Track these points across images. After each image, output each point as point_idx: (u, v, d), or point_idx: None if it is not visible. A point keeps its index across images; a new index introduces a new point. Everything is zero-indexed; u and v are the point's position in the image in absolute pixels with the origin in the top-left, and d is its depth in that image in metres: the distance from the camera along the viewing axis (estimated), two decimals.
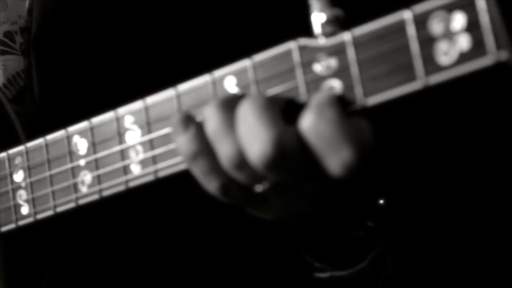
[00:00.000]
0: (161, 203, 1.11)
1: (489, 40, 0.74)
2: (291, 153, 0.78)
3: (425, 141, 1.02)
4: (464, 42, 0.75)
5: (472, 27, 0.75)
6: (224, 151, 0.81)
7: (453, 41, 0.76)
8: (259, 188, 0.83)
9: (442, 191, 1.01)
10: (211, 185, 0.84)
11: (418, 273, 0.99)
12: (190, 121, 0.85)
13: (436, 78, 0.77)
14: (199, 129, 0.84)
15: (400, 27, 0.79)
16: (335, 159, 0.76)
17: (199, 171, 0.85)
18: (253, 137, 0.78)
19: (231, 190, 0.84)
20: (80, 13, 1.14)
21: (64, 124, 1.04)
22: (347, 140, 0.76)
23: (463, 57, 0.75)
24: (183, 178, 0.90)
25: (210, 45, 1.05)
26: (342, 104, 0.81)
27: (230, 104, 0.82)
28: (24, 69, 1.21)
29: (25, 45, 1.21)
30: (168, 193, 1.06)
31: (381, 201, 0.93)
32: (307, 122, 0.78)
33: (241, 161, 0.80)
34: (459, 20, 0.75)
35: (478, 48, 0.75)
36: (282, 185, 0.82)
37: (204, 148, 0.84)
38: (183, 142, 0.85)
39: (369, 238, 0.93)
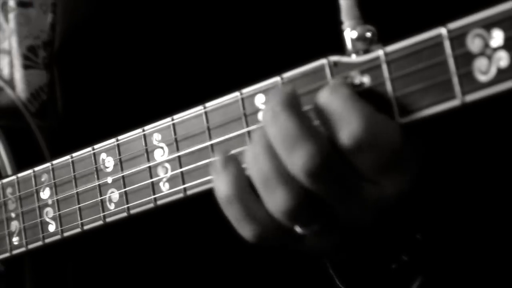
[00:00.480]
0: (188, 220, 1.09)
1: None
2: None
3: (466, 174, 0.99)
4: (503, 60, 0.73)
5: (511, 44, 0.72)
6: (276, 201, 0.78)
7: (492, 58, 0.74)
8: (304, 230, 0.80)
9: (483, 224, 0.98)
10: (245, 230, 0.81)
11: None
12: (231, 161, 0.81)
13: (474, 96, 0.74)
14: (240, 171, 0.81)
15: (437, 43, 0.76)
16: (345, 130, 0.75)
17: (233, 215, 0.81)
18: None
19: (269, 237, 0.81)
20: (103, 28, 1.13)
21: (87, 139, 1.03)
22: (357, 112, 0.75)
23: (502, 75, 0.73)
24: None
25: (241, 62, 1.03)
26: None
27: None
28: (47, 83, 1.20)
29: (47, 59, 1.20)
30: (194, 211, 1.04)
31: (418, 236, 0.90)
32: (322, 98, 0.77)
33: (300, 209, 0.77)
34: (497, 37, 0.73)
35: None
36: (327, 226, 0.80)
37: (243, 192, 0.80)
38: (221, 182, 0.81)
39: (405, 272, 0.90)
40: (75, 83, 1.17)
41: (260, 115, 0.87)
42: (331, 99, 0.77)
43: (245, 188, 0.80)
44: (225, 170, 0.81)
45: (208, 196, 0.88)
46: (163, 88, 1.09)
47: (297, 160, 0.76)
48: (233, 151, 0.85)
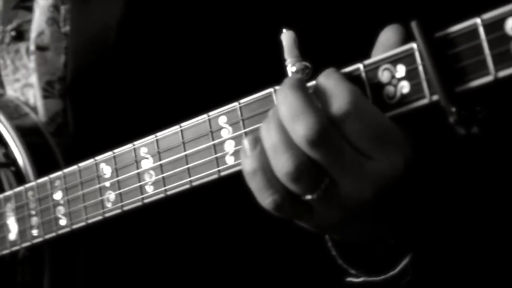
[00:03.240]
0: (193, 210, 1.07)
1: (424, 85, 0.73)
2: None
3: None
4: (405, 87, 0.75)
5: (411, 75, 0.74)
6: (281, 166, 0.75)
7: (397, 86, 0.75)
8: (309, 196, 0.76)
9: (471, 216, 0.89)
10: (266, 198, 0.77)
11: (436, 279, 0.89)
12: (257, 142, 0.78)
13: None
14: (263, 149, 0.78)
15: (357, 75, 0.78)
16: (336, 103, 0.73)
17: (256, 186, 0.78)
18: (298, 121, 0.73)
19: (284, 204, 0.77)
20: (103, 66, 1.14)
21: (93, 153, 1.03)
22: (345, 89, 0.74)
23: (405, 99, 0.75)
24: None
25: (207, 91, 1.04)
26: None
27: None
28: (62, 109, 1.21)
29: (62, 90, 1.21)
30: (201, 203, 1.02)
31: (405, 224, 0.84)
32: (319, 80, 0.75)
33: (300, 173, 0.74)
34: (401, 70, 0.75)
35: (416, 92, 0.74)
36: (329, 193, 0.76)
37: (264, 165, 0.77)
38: (248, 159, 0.78)
39: (399, 246, 0.84)
40: (83, 109, 1.18)
41: (223, 132, 0.88)
42: (326, 80, 0.75)
43: (266, 162, 0.77)
44: (253, 150, 0.78)
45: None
46: (150, 111, 1.10)
47: (299, 130, 0.73)
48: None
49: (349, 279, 0.88)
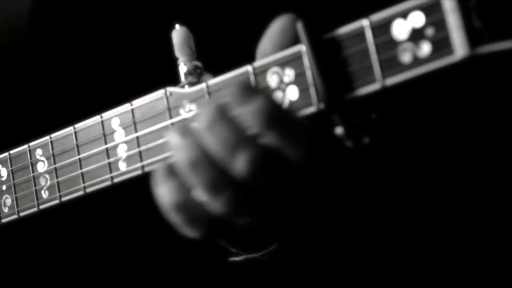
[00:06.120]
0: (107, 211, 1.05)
1: (312, 92, 0.69)
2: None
3: None
4: (293, 93, 0.71)
5: (299, 80, 0.70)
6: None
7: (285, 91, 0.72)
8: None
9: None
10: (191, 233, 0.72)
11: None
12: (173, 169, 0.71)
13: None
14: (183, 180, 0.71)
15: (246, 78, 0.74)
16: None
17: (179, 222, 0.71)
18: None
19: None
20: (17, 53, 1.11)
21: (11, 144, 0.99)
22: None
23: (293, 105, 0.71)
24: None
25: (103, 92, 1.01)
26: None
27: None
28: None
29: None
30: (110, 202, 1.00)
31: None
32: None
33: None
34: (290, 74, 0.71)
35: (303, 99, 0.70)
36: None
37: (188, 199, 0.70)
38: (165, 190, 0.70)
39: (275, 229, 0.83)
40: None
41: (116, 135, 0.85)
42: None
43: (189, 194, 0.69)
44: (170, 179, 0.70)
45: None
46: (69, 102, 1.07)
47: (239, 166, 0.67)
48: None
49: (232, 258, 0.85)
